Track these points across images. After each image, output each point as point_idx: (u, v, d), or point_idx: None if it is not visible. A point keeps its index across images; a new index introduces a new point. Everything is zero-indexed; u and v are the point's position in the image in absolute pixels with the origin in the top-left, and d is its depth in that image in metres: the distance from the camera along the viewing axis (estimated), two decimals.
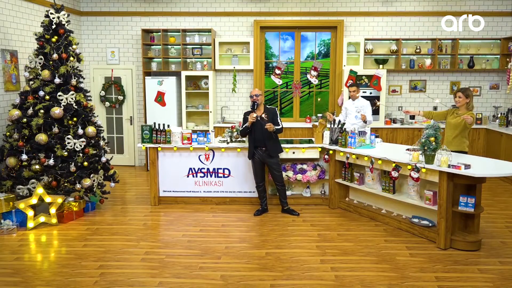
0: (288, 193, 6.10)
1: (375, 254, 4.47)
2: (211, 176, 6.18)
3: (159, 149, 6.10)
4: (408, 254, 4.47)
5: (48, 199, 5.34)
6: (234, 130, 6.13)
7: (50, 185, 5.64)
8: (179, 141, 6.04)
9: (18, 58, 6.35)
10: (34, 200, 5.28)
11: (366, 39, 8.12)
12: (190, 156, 6.15)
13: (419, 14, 8.18)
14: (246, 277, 3.99)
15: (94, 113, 6.04)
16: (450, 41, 8.15)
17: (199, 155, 6.14)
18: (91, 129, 5.77)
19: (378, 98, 7.92)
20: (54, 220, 5.36)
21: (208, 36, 8.25)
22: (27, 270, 4.16)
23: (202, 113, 8.39)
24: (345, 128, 5.82)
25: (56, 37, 5.68)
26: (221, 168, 6.17)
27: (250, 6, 8.23)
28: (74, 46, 5.85)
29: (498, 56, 8.10)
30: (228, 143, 6.10)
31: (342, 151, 5.75)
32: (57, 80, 5.61)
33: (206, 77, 8.20)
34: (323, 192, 6.25)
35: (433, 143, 4.56)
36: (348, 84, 6.96)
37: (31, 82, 5.67)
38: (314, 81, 7.79)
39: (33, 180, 5.52)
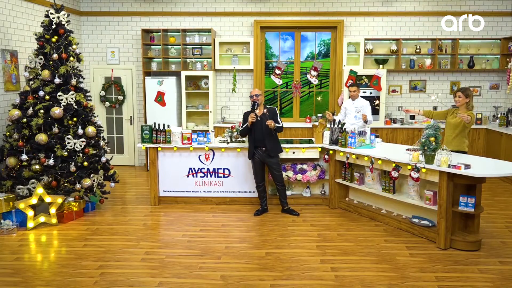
0: (288, 193, 6.10)
1: (375, 254, 4.47)
2: (211, 176, 6.18)
3: (159, 149, 6.10)
4: (408, 254, 4.47)
5: (48, 199, 5.34)
6: (234, 130, 6.13)
7: (50, 185, 5.64)
8: (179, 141, 6.04)
9: (18, 58, 6.35)
10: (34, 200, 5.28)
11: (366, 39, 8.12)
12: (190, 156, 6.15)
13: (419, 14, 8.18)
14: (246, 277, 4.00)
15: (94, 113, 6.04)
16: (450, 41, 8.15)
17: (199, 155, 6.14)
18: (91, 129, 5.77)
19: (378, 98, 7.93)
20: (54, 220, 5.36)
21: (208, 36, 8.25)
22: (27, 270, 4.16)
23: (202, 113, 8.39)
24: (345, 128, 5.82)
25: (56, 37, 5.68)
26: (221, 168, 6.17)
27: (250, 6, 8.23)
28: (74, 46, 5.85)
29: (498, 56, 8.11)
30: (228, 143, 6.10)
31: (342, 151, 5.75)
32: (57, 80, 5.61)
33: (206, 77, 8.20)
34: (323, 192, 6.25)
35: (433, 143, 4.56)
36: (348, 84, 6.96)
37: (31, 82, 5.67)
38: (314, 81, 7.79)
39: (33, 180, 5.52)
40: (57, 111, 5.50)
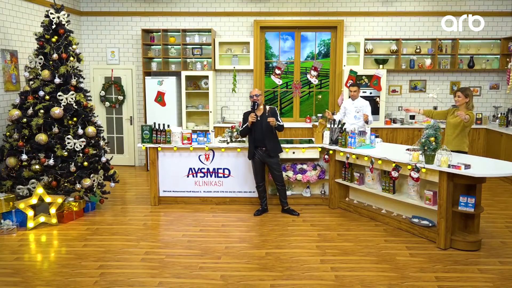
0: (288, 193, 6.10)
1: (375, 254, 4.47)
2: (211, 176, 6.18)
3: (159, 149, 6.10)
4: (408, 254, 4.47)
5: (48, 199, 5.34)
6: (234, 130, 6.13)
7: (50, 185, 5.64)
8: (179, 141, 6.04)
9: (18, 58, 6.35)
10: (34, 200, 5.28)
11: (366, 39, 8.12)
12: (190, 156, 6.15)
13: (419, 14, 8.18)
14: (246, 277, 4.00)
15: (94, 113, 6.04)
16: (450, 41, 8.15)
17: (199, 155, 6.14)
18: (91, 129, 5.77)
19: (378, 97, 7.93)
20: (54, 220, 5.36)
21: (208, 36, 8.25)
22: (27, 270, 4.16)
23: (202, 113, 8.39)
24: (345, 128, 5.82)
25: (56, 37, 5.68)
26: (221, 168, 6.17)
27: (250, 6, 8.23)
28: (74, 46, 5.85)
29: (498, 56, 8.11)
30: (228, 143, 6.10)
31: (342, 151, 5.75)
32: (57, 80, 5.61)
33: (206, 77, 8.20)
34: (323, 192, 6.25)
35: (433, 143, 4.56)
36: (349, 84, 6.96)
37: (31, 82, 5.67)
38: (314, 81, 7.79)
39: (33, 180, 5.52)
40: (57, 111, 5.50)
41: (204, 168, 6.17)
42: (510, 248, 4.64)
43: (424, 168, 4.67)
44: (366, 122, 6.20)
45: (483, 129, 7.93)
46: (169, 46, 8.36)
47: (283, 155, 5.93)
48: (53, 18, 5.68)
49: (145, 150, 8.40)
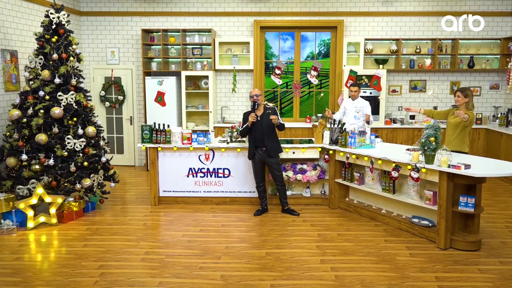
0: (288, 193, 6.10)
1: (375, 254, 4.47)
2: (211, 176, 6.18)
3: (159, 149, 6.10)
4: (408, 254, 4.47)
5: (48, 199, 5.34)
6: (234, 130, 6.13)
7: (50, 185, 5.64)
8: (179, 141, 6.04)
9: (18, 58, 6.35)
10: (34, 200, 5.28)
11: (366, 39, 8.12)
12: (190, 156, 6.15)
13: (419, 14, 8.18)
14: (246, 277, 4.00)
15: (94, 113, 6.04)
16: (450, 41, 8.15)
17: (199, 155, 6.14)
18: (91, 129, 5.77)
19: (379, 97, 7.93)
20: (54, 220, 5.36)
21: (208, 36, 8.25)
22: (27, 270, 4.16)
23: (202, 113, 8.39)
24: (345, 128, 5.82)
25: (56, 37, 5.68)
26: (221, 168, 6.17)
27: (250, 6, 8.23)
28: (74, 46, 5.85)
29: (498, 56, 8.10)
30: (228, 143, 6.10)
31: (342, 151, 5.75)
32: (57, 80, 5.61)
33: (206, 77, 8.20)
34: (323, 192, 6.25)
35: (433, 143, 4.56)
36: (349, 84, 6.96)
37: (31, 82, 5.67)
38: (314, 81, 7.78)
39: (33, 180, 5.52)
40: (57, 111, 5.50)
41: (204, 168, 6.17)
42: (510, 248, 4.64)
43: (424, 168, 4.67)
44: (368, 122, 6.20)
45: (483, 129, 7.93)
46: (169, 46, 8.36)
47: (283, 155, 5.93)
48: (53, 18, 5.68)
49: (145, 150, 8.40)
